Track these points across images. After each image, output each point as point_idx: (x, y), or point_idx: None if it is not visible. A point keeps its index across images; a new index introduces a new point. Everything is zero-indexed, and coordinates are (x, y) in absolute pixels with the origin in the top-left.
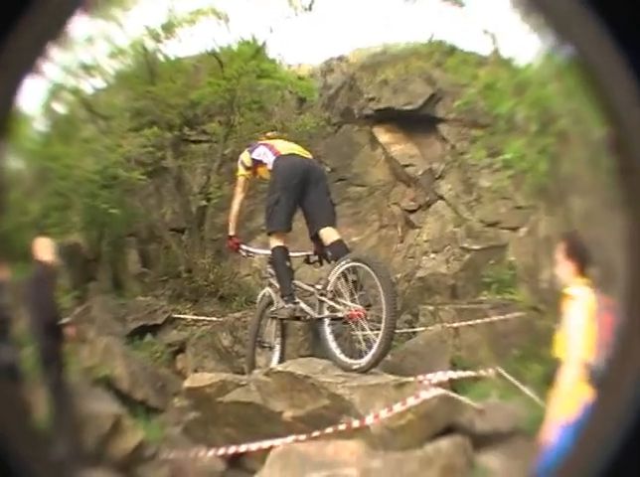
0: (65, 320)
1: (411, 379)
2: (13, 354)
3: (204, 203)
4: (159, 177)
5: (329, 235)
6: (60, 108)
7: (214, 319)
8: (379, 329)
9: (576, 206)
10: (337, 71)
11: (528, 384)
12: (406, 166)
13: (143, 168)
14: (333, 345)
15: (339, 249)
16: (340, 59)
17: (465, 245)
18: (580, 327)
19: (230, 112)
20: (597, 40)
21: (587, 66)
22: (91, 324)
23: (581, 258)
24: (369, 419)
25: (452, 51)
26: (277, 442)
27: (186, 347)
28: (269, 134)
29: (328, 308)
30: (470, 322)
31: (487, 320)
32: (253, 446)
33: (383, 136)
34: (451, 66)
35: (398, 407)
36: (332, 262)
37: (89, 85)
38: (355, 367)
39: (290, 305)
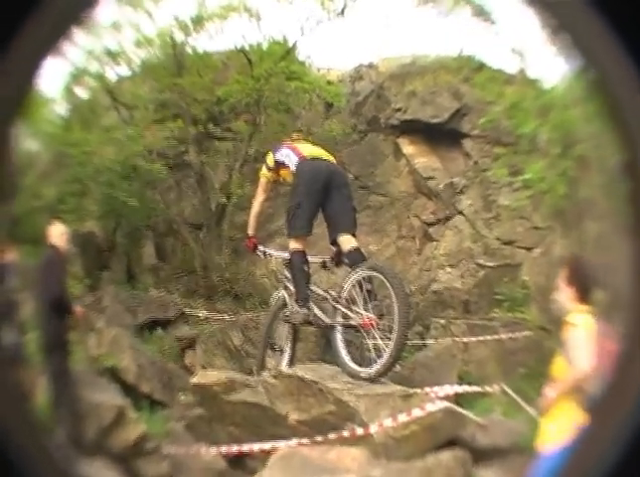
0: (73, 305)
1: (419, 390)
2: (16, 337)
3: (224, 201)
4: (180, 171)
5: (347, 242)
6: (82, 93)
7: (226, 317)
8: (390, 339)
9: (591, 230)
10: (366, 78)
11: (531, 402)
12: (429, 179)
13: (165, 161)
14: (343, 352)
15: (356, 257)
16: (369, 66)
17: (480, 262)
18: (584, 350)
19: (256, 112)
20: (618, 64)
21: (606, 90)
22: (102, 313)
23: (583, 285)
24: (373, 428)
25: (481, 67)
26: (280, 445)
27: (196, 343)
28: (294, 136)
29: (341, 315)
30: (480, 338)
31: (496, 337)
32: (256, 447)
33: (407, 147)
34: (479, 82)
35: (402, 418)
36: (348, 269)
37: (114, 73)
38: (363, 375)
39: (304, 310)
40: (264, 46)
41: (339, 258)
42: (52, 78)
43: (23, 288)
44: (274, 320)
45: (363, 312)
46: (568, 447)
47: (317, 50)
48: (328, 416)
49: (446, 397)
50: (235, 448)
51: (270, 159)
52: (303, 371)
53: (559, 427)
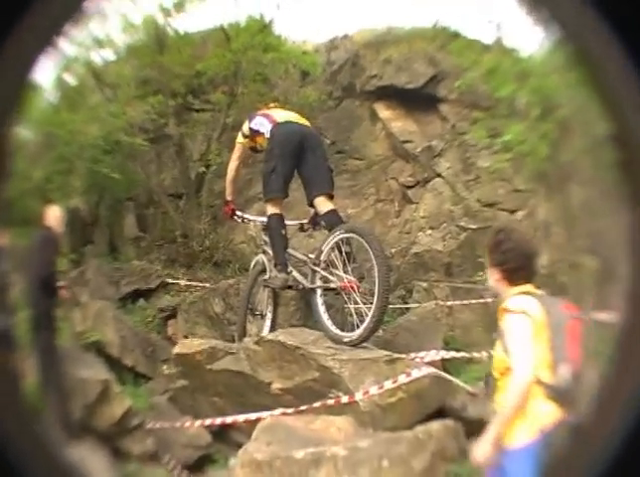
0: (59, 283)
1: (403, 356)
2: (7, 321)
3: (203, 169)
4: (161, 144)
5: (323, 204)
6: (70, 80)
7: (207, 285)
8: (371, 303)
9: (576, 194)
10: (341, 48)
11: None
12: (405, 142)
13: (146, 135)
14: (325, 316)
15: (333, 219)
16: (345, 37)
17: (462, 224)
18: (521, 344)
19: (234, 83)
20: (599, 35)
21: (590, 62)
22: (85, 287)
23: (508, 262)
24: (358, 396)
25: (456, 36)
26: (265, 415)
27: (177, 312)
28: (271, 105)
29: (321, 278)
30: (465, 302)
31: (482, 301)
32: (240, 418)
33: (383, 112)
34: (455, 49)
35: (388, 385)
36: (326, 233)
37: (100, 57)
38: (346, 340)
39: (283, 274)
40: (242, 23)
41: (316, 221)
42: (44, 70)
43: (13, 270)
44: (254, 285)
45: (343, 275)
46: (539, 443)
47: (293, 25)
48: (312, 383)
49: (432, 363)
50: (218, 420)
51: (246, 127)
52: (285, 336)
53: (525, 424)
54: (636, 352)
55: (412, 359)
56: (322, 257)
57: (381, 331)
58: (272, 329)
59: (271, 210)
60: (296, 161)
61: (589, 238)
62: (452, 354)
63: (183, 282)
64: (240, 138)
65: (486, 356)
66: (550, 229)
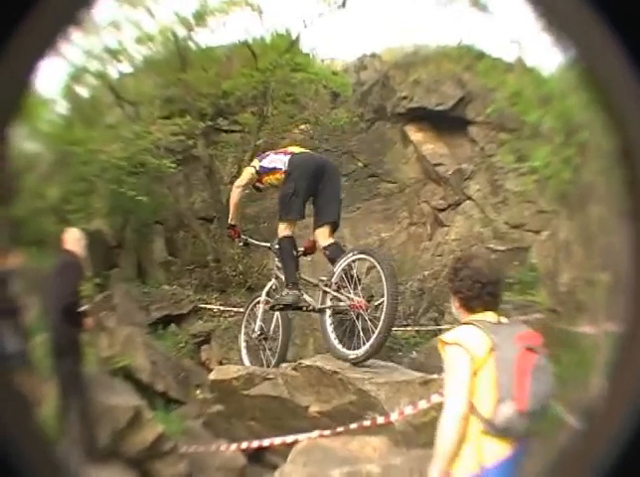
0: (83, 308)
1: (436, 376)
2: (21, 344)
3: None
4: (188, 165)
5: (324, 236)
6: (82, 92)
7: (241, 310)
8: (379, 320)
9: (593, 213)
10: (370, 68)
11: None
12: (437, 165)
13: (172, 156)
14: (332, 335)
15: (337, 252)
16: (373, 56)
17: (491, 246)
18: (452, 377)
19: (263, 104)
20: (608, 50)
21: (595, 76)
22: (112, 312)
23: (460, 291)
24: (394, 416)
25: (481, 55)
26: (301, 437)
27: (211, 338)
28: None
29: (331, 299)
30: None
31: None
32: (277, 441)
33: (414, 135)
34: (481, 70)
35: (422, 404)
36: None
37: (115, 70)
38: (351, 357)
39: (295, 291)
40: (268, 39)
41: (311, 251)
42: (50, 78)
43: (29, 292)
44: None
45: (352, 296)
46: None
47: (320, 41)
48: (349, 406)
49: None
50: (255, 443)
51: (256, 163)
52: (322, 361)
53: (465, 457)
54: (637, 355)
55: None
56: (334, 279)
57: (414, 353)
58: (283, 355)
59: (285, 231)
60: (314, 187)
61: (604, 255)
62: None
63: (216, 307)
64: (252, 169)
65: None
66: (570, 248)
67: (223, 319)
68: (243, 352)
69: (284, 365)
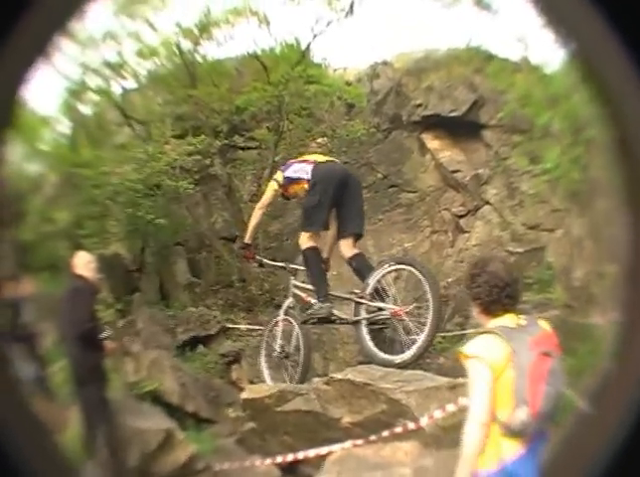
0: (104, 334)
1: (462, 380)
2: (38, 371)
3: None
4: (206, 185)
5: (349, 247)
6: (85, 109)
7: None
8: (423, 324)
9: (600, 207)
10: (383, 76)
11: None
12: (455, 172)
13: (189, 175)
14: (370, 344)
15: (362, 263)
16: (384, 63)
17: (510, 249)
18: (473, 389)
19: (278, 118)
20: (606, 45)
21: (593, 69)
22: (137, 337)
23: (479, 297)
24: (423, 421)
25: (490, 57)
26: (335, 448)
27: (241, 357)
28: (306, 155)
29: (366, 310)
30: None
31: None
32: (311, 453)
33: (431, 142)
34: (491, 72)
35: (451, 408)
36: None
37: (118, 86)
38: (397, 361)
39: (327, 304)
40: (277, 50)
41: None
42: (47, 94)
43: (44, 318)
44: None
45: (390, 305)
46: (498, 473)
47: (331, 50)
48: (380, 415)
49: None
50: (290, 456)
51: (280, 176)
52: (353, 374)
53: (485, 456)
54: (637, 346)
55: None
56: (368, 290)
57: (441, 358)
58: (304, 373)
59: (308, 243)
60: (338, 197)
61: (611, 247)
62: None
63: (244, 326)
64: (274, 185)
65: None
66: (582, 243)
67: (251, 338)
68: (266, 372)
69: (316, 379)
